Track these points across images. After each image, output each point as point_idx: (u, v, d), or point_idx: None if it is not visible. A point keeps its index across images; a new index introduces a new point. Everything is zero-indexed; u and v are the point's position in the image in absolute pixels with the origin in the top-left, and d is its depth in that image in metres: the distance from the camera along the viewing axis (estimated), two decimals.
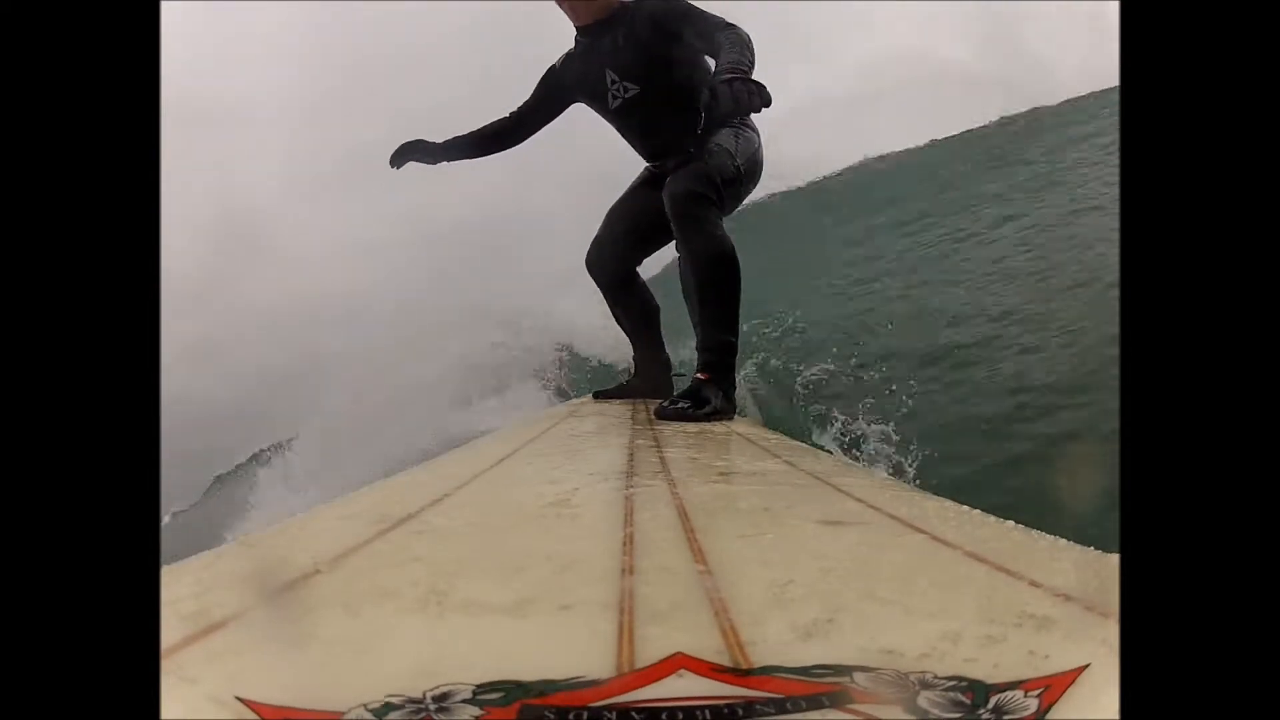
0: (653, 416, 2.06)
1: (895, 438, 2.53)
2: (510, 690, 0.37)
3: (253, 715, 0.36)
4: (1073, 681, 0.38)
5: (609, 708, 0.36)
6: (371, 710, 0.36)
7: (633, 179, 2.72)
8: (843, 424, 2.74)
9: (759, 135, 2.49)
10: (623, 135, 2.58)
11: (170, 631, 0.43)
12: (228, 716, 0.36)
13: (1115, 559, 0.53)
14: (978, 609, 0.48)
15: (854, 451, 2.58)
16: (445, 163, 2.66)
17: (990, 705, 0.37)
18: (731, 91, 1.76)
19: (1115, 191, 4.35)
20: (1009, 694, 0.37)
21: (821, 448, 2.47)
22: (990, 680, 0.38)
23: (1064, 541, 0.65)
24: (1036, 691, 0.37)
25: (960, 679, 0.38)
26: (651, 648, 0.41)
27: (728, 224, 2.33)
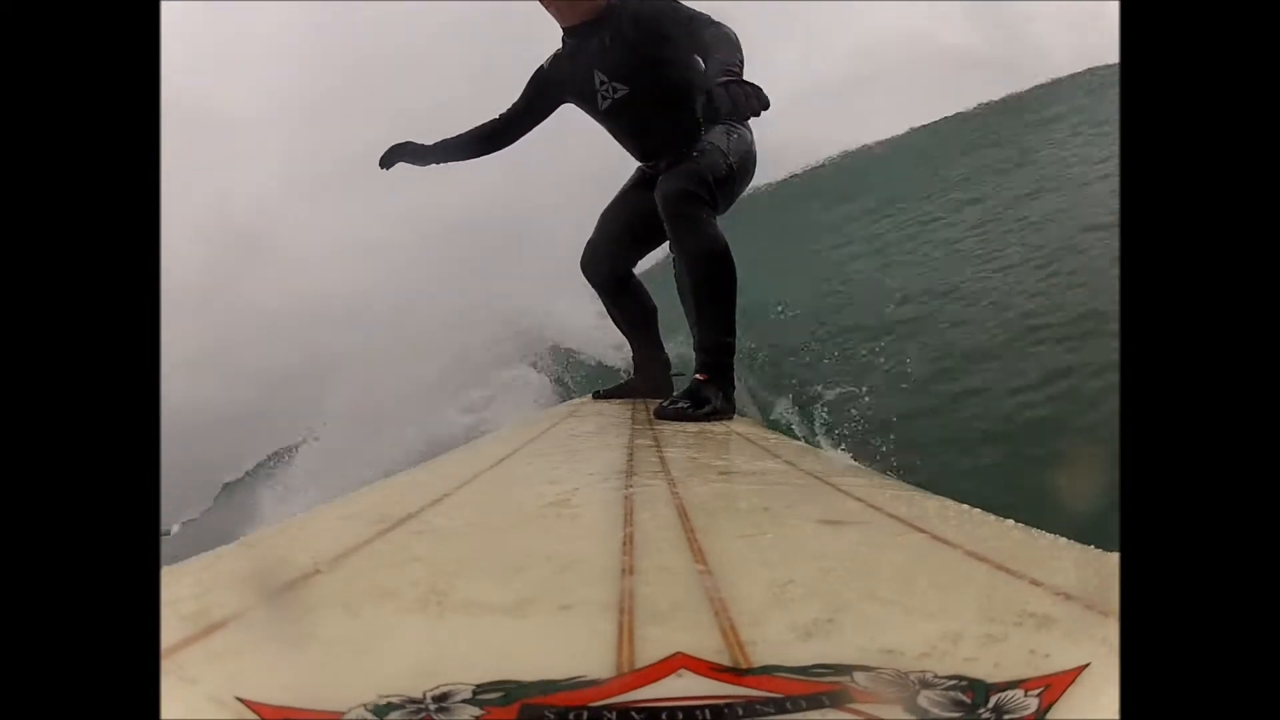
0: (652, 416, 2.06)
1: (837, 396, 3.08)
2: (510, 690, 0.37)
3: (253, 715, 0.36)
4: (1073, 681, 0.38)
5: (609, 707, 0.36)
6: (371, 710, 0.36)
7: (626, 179, 2.72)
8: (798, 387, 3.30)
9: (752, 132, 2.49)
10: (614, 136, 2.57)
11: (170, 631, 0.43)
12: (228, 716, 0.36)
13: (1115, 558, 0.53)
14: (978, 608, 0.48)
15: (809, 409, 3.09)
16: (440, 164, 2.66)
17: (990, 704, 0.37)
18: (729, 95, 1.75)
19: (1073, 172, 5.17)
20: (1009, 693, 0.37)
21: (782, 421, 2.95)
22: (990, 679, 0.38)
23: (1064, 540, 0.65)
24: (1037, 691, 0.37)
25: (960, 678, 0.38)
26: (651, 647, 0.41)
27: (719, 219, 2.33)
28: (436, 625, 0.46)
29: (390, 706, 0.36)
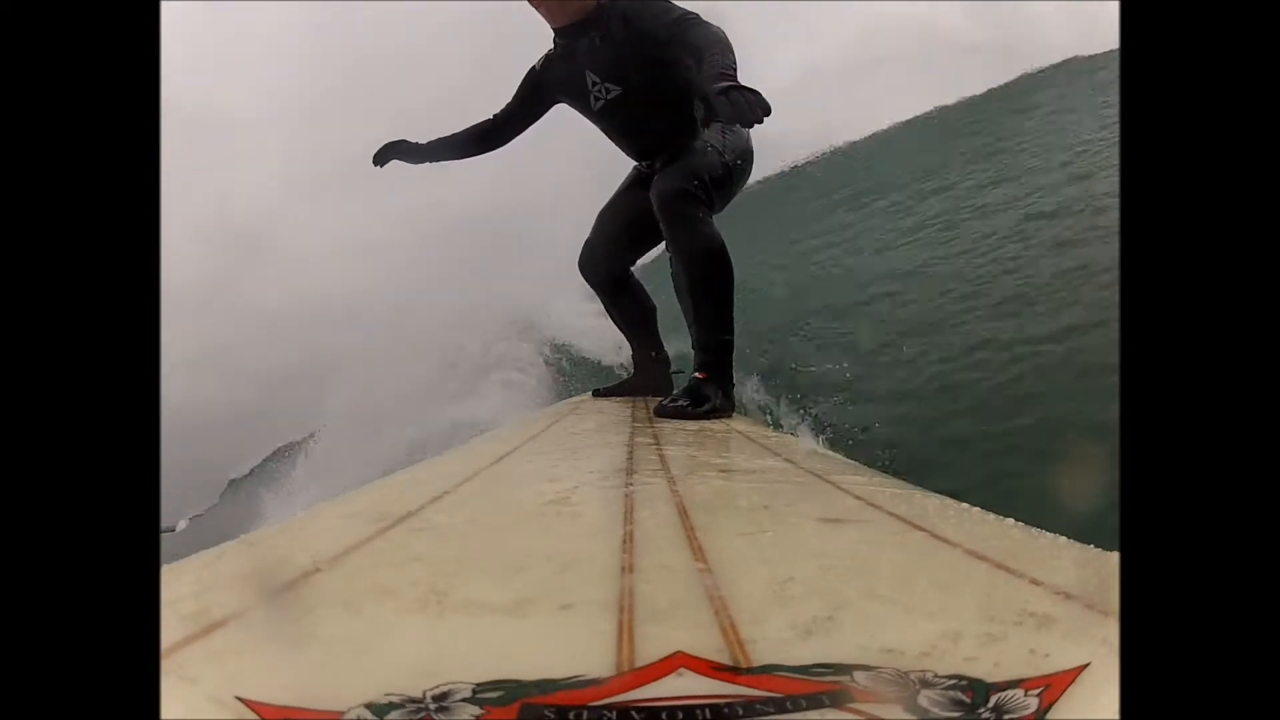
0: (652, 415, 2.06)
1: (800, 366, 3.71)
2: (510, 689, 0.37)
3: (253, 715, 0.36)
4: (1073, 680, 0.38)
5: (609, 707, 0.36)
6: (371, 710, 0.36)
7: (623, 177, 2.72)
8: (767, 363, 3.75)
9: (748, 129, 2.48)
10: (608, 136, 2.56)
11: (170, 631, 0.43)
12: (228, 716, 0.36)
13: (1115, 557, 0.53)
14: (978, 607, 0.48)
15: (771, 379, 3.51)
16: (436, 164, 2.66)
17: (990, 704, 0.37)
18: (731, 102, 1.72)
19: (1038, 161, 5.80)
20: (1009, 693, 0.37)
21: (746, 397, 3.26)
22: (990, 679, 0.38)
23: (1064, 539, 0.65)
24: (1036, 690, 0.37)
25: (960, 678, 0.38)
26: (651, 646, 0.41)
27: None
28: (436, 624, 0.46)
29: (390, 706, 0.36)
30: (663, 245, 2.46)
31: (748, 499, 0.96)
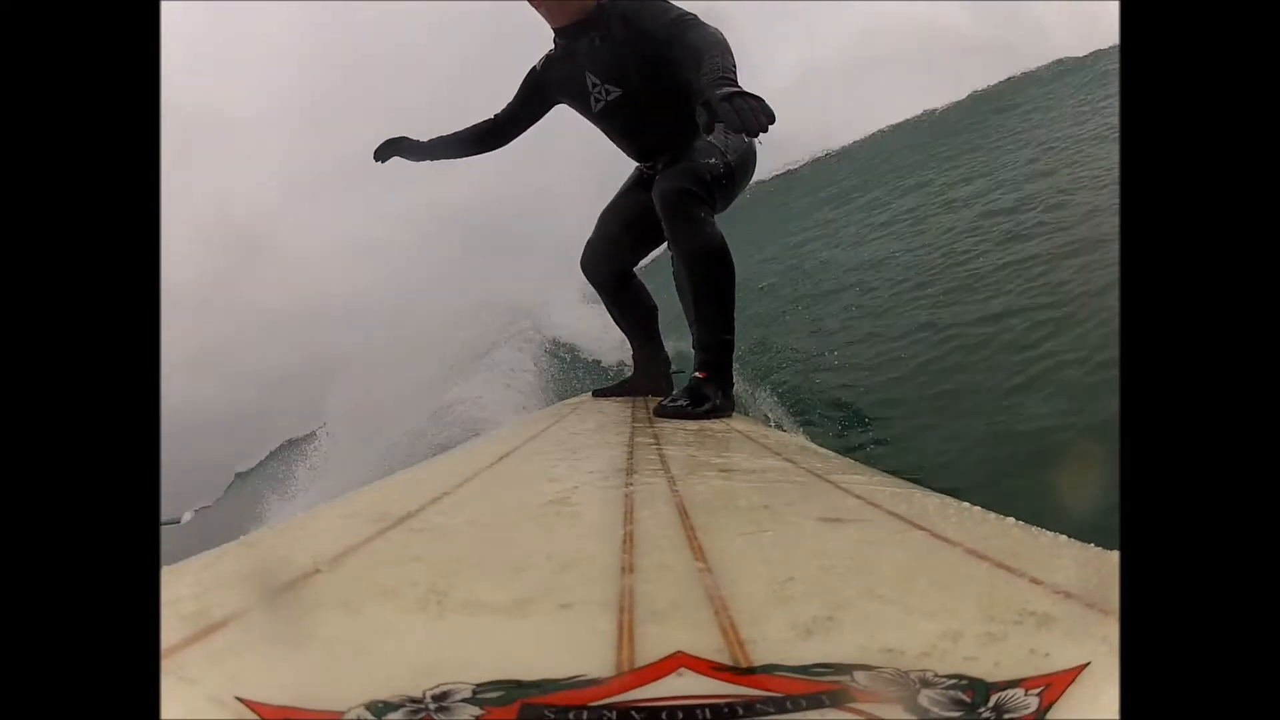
0: (652, 414, 2.06)
1: (775, 345, 4.22)
2: (510, 689, 0.37)
3: (253, 715, 0.36)
4: (1073, 680, 0.38)
5: (609, 707, 0.36)
6: (371, 710, 0.36)
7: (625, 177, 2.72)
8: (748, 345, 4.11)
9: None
10: (608, 137, 2.56)
11: (170, 631, 0.43)
12: (228, 716, 0.36)
13: (1115, 556, 0.53)
14: (978, 607, 0.47)
15: (748, 359, 3.86)
16: (436, 162, 2.67)
17: (991, 704, 0.36)
18: (735, 110, 1.70)
19: (1009, 158, 6.44)
20: (1009, 692, 0.37)
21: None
22: (990, 679, 0.38)
23: (1064, 538, 0.65)
24: (1037, 690, 0.37)
25: (961, 677, 0.38)
26: (651, 646, 0.41)
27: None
28: (436, 624, 0.46)
29: (390, 706, 0.36)
30: (664, 245, 2.46)
31: (748, 499, 0.96)
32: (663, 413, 2.04)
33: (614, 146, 2.59)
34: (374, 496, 0.99)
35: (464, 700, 0.37)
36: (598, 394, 2.83)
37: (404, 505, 0.78)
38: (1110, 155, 5.08)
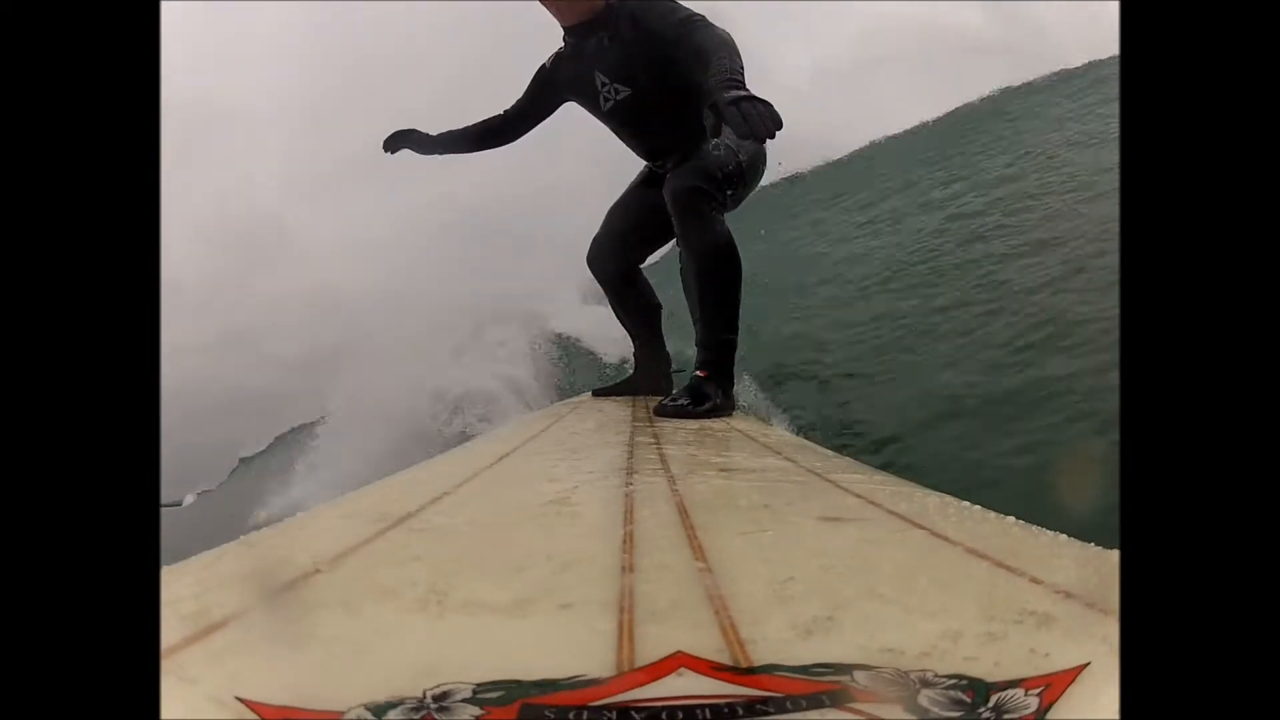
0: (652, 414, 2.06)
1: (760, 328, 4.46)
2: (510, 689, 0.37)
3: (253, 715, 0.36)
4: (1073, 680, 0.38)
5: (609, 707, 0.36)
6: (371, 710, 0.36)
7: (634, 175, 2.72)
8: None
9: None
10: (617, 135, 2.56)
11: (170, 631, 0.43)
12: (228, 716, 0.36)
13: (1116, 555, 0.53)
14: (978, 606, 0.47)
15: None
16: (443, 156, 2.67)
17: (990, 704, 0.36)
18: (742, 115, 1.69)
19: (989, 163, 6.89)
20: (1009, 692, 0.37)
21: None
22: (990, 679, 0.38)
23: (1064, 538, 0.65)
24: (1037, 690, 0.37)
25: (960, 677, 0.38)
26: (652, 646, 0.41)
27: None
28: (436, 624, 0.46)
29: (390, 706, 0.36)
30: (671, 243, 2.46)
31: (748, 498, 0.96)
32: (663, 412, 2.04)
33: (623, 145, 2.59)
34: (374, 496, 0.99)
35: (464, 700, 0.37)
36: (598, 393, 2.83)
37: (404, 505, 0.78)
38: (1080, 160, 5.64)
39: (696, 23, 2.12)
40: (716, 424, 1.94)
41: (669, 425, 1.86)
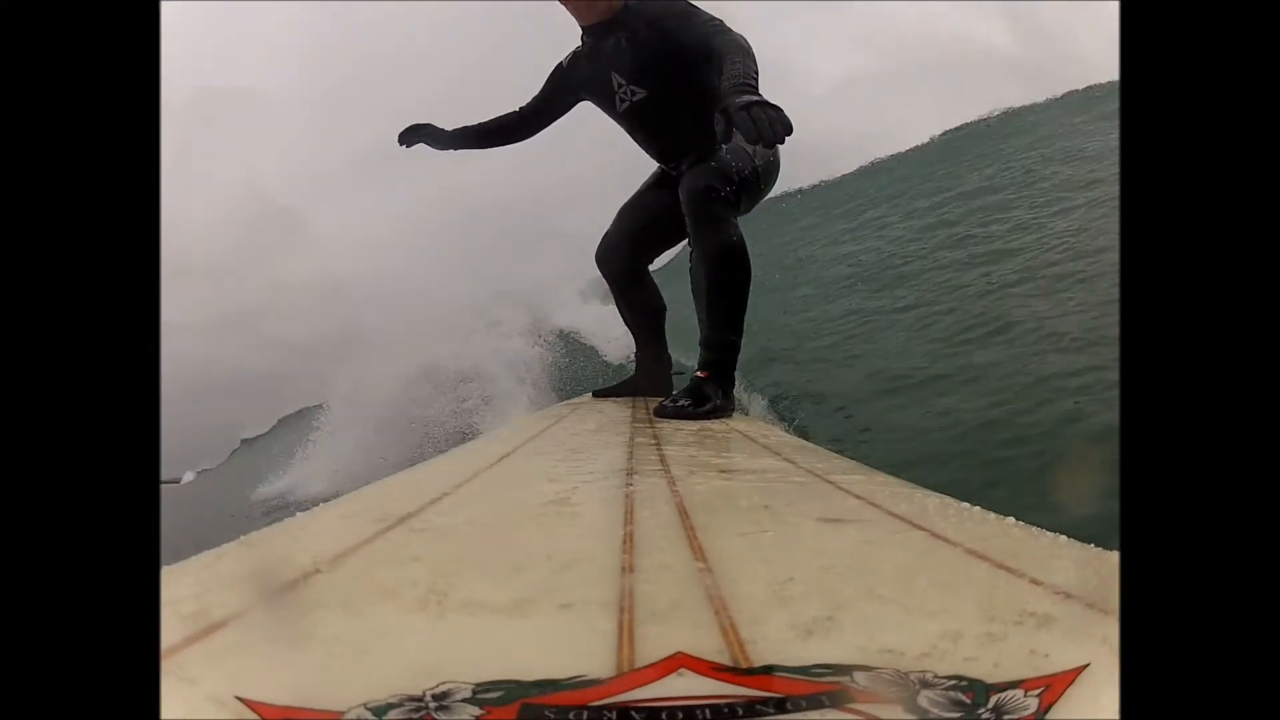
0: (652, 414, 2.06)
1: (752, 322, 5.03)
2: (510, 689, 0.37)
3: (253, 715, 0.36)
4: (1073, 680, 0.38)
5: (609, 707, 0.36)
6: (371, 710, 0.36)
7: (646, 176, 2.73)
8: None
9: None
10: (631, 136, 2.56)
11: (170, 631, 0.43)
12: (228, 716, 0.36)
13: (1115, 556, 0.53)
14: (978, 607, 0.47)
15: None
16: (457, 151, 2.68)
17: (990, 704, 0.37)
18: (752, 120, 1.68)
19: (976, 176, 7.60)
20: (1009, 693, 0.37)
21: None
22: (990, 679, 0.38)
23: (1064, 539, 0.65)
24: (1037, 691, 0.37)
25: (960, 678, 0.38)
26: (652, 646, 0.41)
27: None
28: (436, 624, 0.46)
29: (390, 706, 0.36)
30: (681, 244, 2.47)
31: (748, 499, 0.96)
32: (663, 413, 2.04)
33: (636, 145, 2.59)
34: (374, 497, 0.99)
35: (464, 700, 0.37)
36: (598, 394, 2.83)
37: (404, 505, 0.78)
38: (1058, 174, 6.41)
39: (714, 27, 2.12)
40: (716, 425, 1.94)
41: (669, 426, 1.86)
